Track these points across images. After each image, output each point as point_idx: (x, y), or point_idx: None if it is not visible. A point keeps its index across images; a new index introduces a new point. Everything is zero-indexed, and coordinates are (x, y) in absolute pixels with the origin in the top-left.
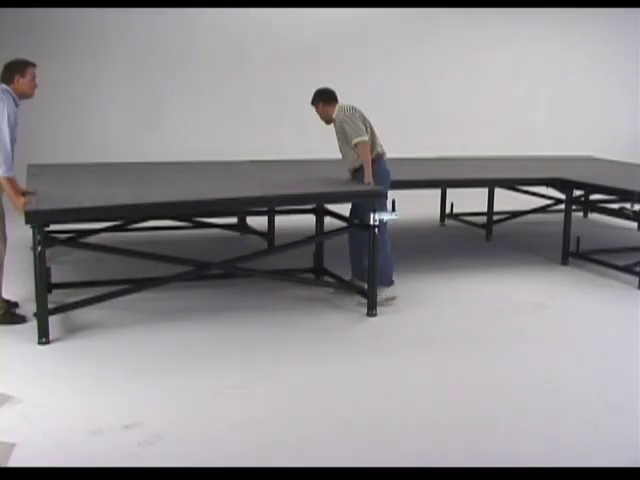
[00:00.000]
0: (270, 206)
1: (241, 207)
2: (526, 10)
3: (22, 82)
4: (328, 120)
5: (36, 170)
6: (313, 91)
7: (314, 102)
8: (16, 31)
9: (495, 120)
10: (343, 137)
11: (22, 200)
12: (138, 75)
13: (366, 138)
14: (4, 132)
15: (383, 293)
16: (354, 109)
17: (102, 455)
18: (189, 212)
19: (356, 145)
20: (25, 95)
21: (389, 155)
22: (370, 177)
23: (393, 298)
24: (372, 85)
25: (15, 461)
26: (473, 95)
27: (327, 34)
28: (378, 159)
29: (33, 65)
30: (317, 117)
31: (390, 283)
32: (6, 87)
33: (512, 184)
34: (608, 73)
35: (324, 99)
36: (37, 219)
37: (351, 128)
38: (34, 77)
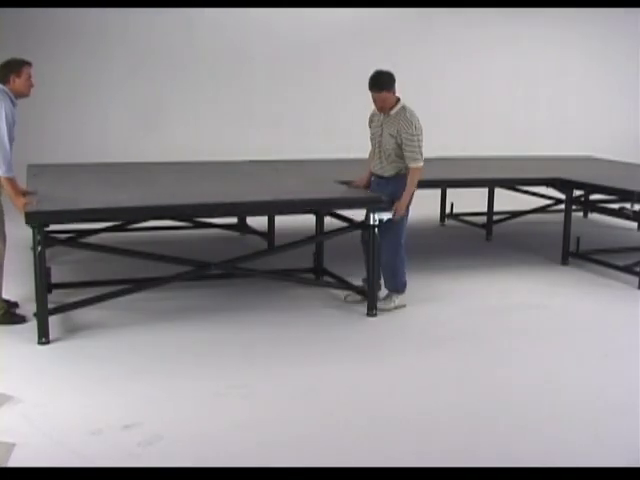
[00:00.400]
0: (270, 213)
1: (240, 212)
2: (526, 10)
3: (18, 82)
4: (384, 109)
5: (36, 170)
6: (371, 74)
7: (379, 89)
8: (16, 31)
9: (495, 120)
10: (394, 140)
11: (22, 200)
12: (138, 75)
13: (422, 164)
14: (3, 132)
15: (397, 300)
16: (419, 122)
17: (102, 455)
18: (189, 215)
19: (412, 169)
20: (21, 94)
21: None
22: (404, 207)
23: (403, 306)
24: None
25: (15, 461)
26: (473, 95)
27: (327, 34)
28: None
29: (29, 64)
30: (317, 117)
31: (403, 290)
32: (2, 87)
33: (512, 184)
34: (608, 73)
35: (391, 88)
36: (37, 220)
37: (413, 150)
38: (30, 76)
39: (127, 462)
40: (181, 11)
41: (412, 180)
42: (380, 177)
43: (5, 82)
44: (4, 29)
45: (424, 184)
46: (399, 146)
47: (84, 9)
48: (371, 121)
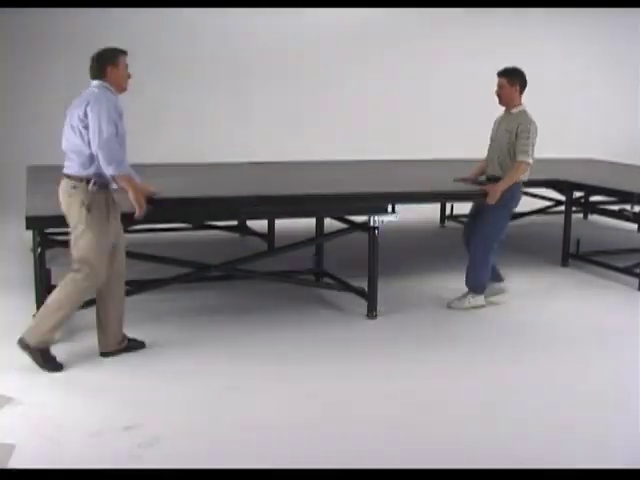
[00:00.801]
0: (270, 217)
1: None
2: (526, 10)
3: (115, 73)
4: (505, 104)
5: (36, 171)
6: (501, 72)
7: (502, 74)
8: (17, 31)
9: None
10: (509, 139)
11: (142, 200)
12: (138, 75)
13: (531, 161)
14: (108, 132)
15: (473, 300)
16: (536, 128)
17: (102, 457)
18: (186, 219)
19: (518, 161)
20: (118, 87)
21: (388, 157)
22: (498, 193)
23: (481, 306)
24: (372, 86)
25: (15, 462)
26: (473, 96)
27: (327, 34)
28: (517, 183)
29: (124, 53)
30: (317, 119)
31: (481, 291)
32: (99, 82)
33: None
34: (608, 73)
35: (522, 86)
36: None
37: (526, 144)
38: (127, 66)
39: (127, 464)
40: (182, 12)
41: (514, 171)
42: (494, 180)
43: (102, 76)
44: (4, 29)
45: (425, 198)
46: (512, 143)
47: (85, 9)
48: (495, 127)
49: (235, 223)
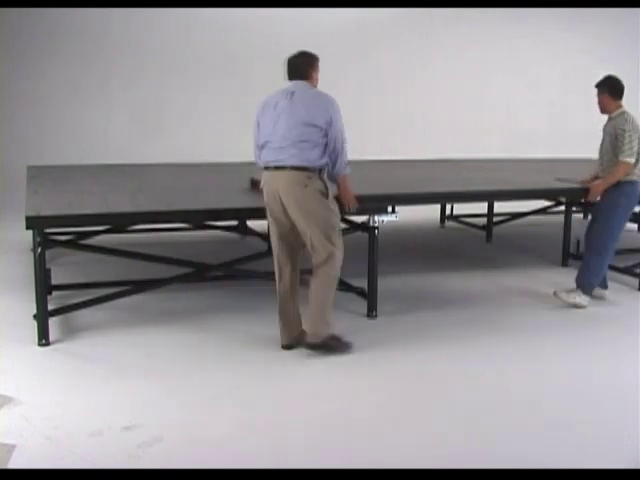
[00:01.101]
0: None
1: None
2: (526, 10)
3: (315, 76)
4: (602, 111)
5: (36, 171)
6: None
7: (597, 86)
8: (18, 31)
9: (495, 122)
10: (610, 141)
11: (354, 197)
12: (140, 76)
13: (632, 161)
14: (344, 133)
15: (579, 298)
16: (637, 126)
17: (102, 457)
18: (187, 220)
19: (619, 161)
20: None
21: (389, 157)
22: (599, 188)
23: (583, 307)
24: (371, 86)
25: (15, 463)
26: (473, 97)
27: (327, 34)
28: (633, 183)
29: (318, 58)
30: None
31: (588, 291)
32: (307, 82)
33: (515, 197)
34: (608, 73)
35: (611, 92)
36: (38, 225)
37: (626, 144)
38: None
39: (127, 464)
40: (182, 12)
41: (615, 171)
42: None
43: (308, 77)
44: (6, 29)
45: (425, 198)
46: (613, 145)
47: (86, 9)
48: (603, 133)
49: (235, 223)
